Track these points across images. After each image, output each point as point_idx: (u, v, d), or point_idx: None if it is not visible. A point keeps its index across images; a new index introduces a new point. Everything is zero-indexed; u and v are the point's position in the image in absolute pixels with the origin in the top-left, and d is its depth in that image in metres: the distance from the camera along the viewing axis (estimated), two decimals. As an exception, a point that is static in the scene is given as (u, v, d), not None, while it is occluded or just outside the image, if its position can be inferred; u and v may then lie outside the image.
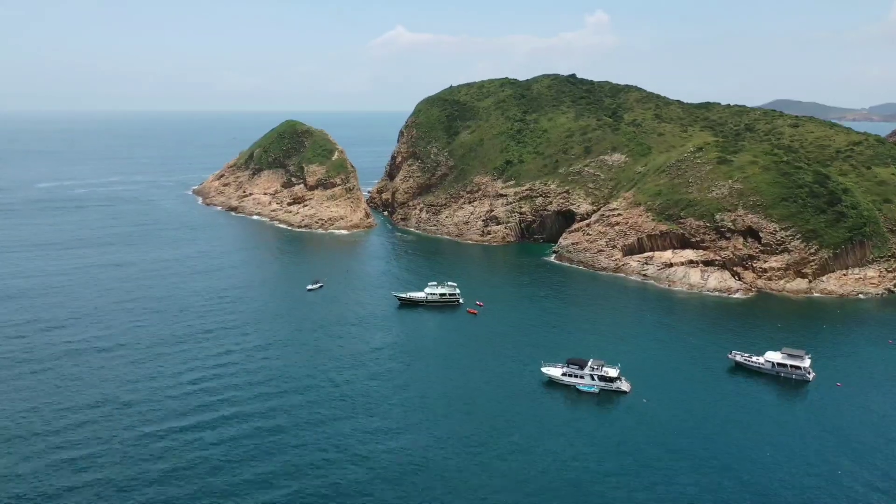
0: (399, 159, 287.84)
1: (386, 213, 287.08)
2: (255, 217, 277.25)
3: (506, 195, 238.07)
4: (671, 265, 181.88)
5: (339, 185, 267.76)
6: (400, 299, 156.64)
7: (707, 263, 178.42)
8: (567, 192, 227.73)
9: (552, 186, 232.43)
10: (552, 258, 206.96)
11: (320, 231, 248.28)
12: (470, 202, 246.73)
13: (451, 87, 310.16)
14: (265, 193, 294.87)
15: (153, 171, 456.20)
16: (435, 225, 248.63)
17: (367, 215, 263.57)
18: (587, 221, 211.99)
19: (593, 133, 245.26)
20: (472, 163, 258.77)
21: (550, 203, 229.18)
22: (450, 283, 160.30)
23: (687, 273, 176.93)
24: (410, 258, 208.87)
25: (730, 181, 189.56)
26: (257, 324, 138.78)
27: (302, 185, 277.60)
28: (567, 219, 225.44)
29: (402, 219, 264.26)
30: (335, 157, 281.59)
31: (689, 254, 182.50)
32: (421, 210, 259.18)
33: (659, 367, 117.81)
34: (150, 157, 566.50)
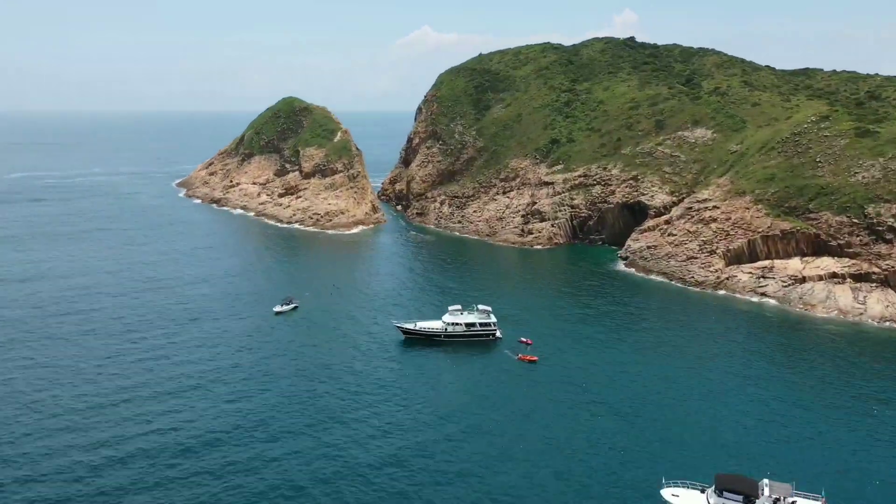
0: (416, 141, 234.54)
1: (399, 207, 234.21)
2: (238, 211, 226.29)
3: (552, 183, 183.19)
4: (803, 280, 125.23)
5: (341, 171, 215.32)
6: (405, 332, 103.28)
7: (858, 278, 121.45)
8: (635, 178, 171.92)
9: (614, 171, 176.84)
10: (620, 266, 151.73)
11: (314, 229, 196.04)
12: (505, 192, 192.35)
13: (480, 55, 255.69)
14: (254, 183, 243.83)
15: (148, 162, 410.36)
16: (459, 221, 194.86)
17: (375, 209, 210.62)
18: (667, 217, 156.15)
19: (666, 104, 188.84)
20: (508, 143, 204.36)
21: (612, 193, 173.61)
22: (481, 306, 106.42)
23: (831, 292, 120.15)
24: (426, 266, 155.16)
25: (881, 159, 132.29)
26: (177, 379, 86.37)
27: (297, 173, 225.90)
28: (636, 213, 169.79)
29: (419, 214, 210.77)
30: (337, 138, 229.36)
31: (829, 263, 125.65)
32: (442, 203, 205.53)
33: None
34: (153, 150, 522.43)
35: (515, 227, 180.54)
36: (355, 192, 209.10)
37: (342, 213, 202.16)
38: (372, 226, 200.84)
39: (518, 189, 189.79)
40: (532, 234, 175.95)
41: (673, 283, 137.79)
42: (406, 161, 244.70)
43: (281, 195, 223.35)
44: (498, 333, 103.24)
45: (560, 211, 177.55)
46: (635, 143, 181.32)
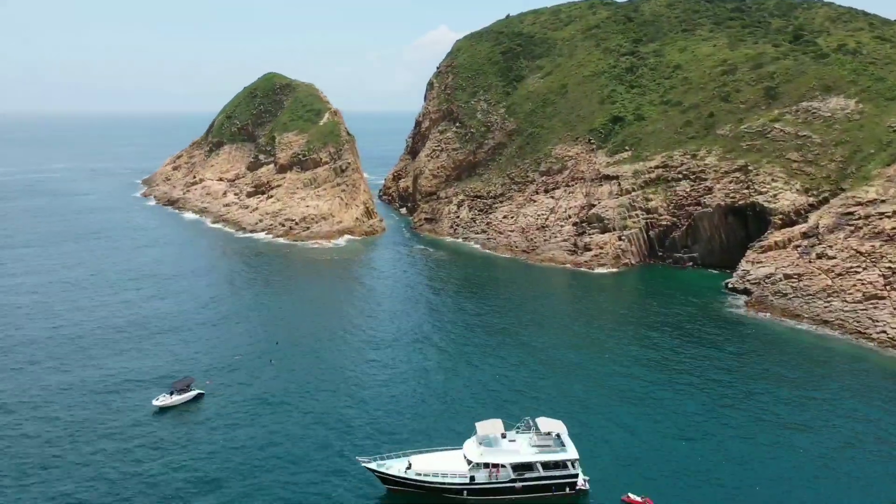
0: (426, 124, 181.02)
1: (404, 210, 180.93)
2: (192, 216, 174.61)
3: (616, 177, 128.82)
4: None
5: (326, 162, 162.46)
6: (385, 479, 49.73)
7: None
8: (743, 169, 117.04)
9: (709, 160, 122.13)
10: (735, 303, 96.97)
11: (284, 240, 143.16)
12: (548, 191, 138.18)
13: (507, 16, 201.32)
14: (220, 179, 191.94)
15: (121, 158, 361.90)
16: (484, 231, 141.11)
17: (370, 213, 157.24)
18: (804, 227, 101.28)
19: (776, 65, 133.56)
20: (549, 123, 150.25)
21: (709, 191, 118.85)
22: (544, 421, 52.46)
23: None
24: (435, 306, 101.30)
25: None
26: None
27: (273, 165, 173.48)
28: (747, 221, 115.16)
29: (429, 219, 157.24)
30: (324, 120, 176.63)
31: None
32: (460, 205, 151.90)
33: None
34: (138, 146, 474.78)
35: (565, 241, 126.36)
36: (343, 191, 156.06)
37: (324, 218, 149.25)
38: (363, 236, 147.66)
39: (567, 186, 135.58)
40: (590, 250, 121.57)
41: (844, 338, 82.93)
42: (413, 151, 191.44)
43: (250, 194, 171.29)
44: (581, 482, 49.41)
45: (630, 217, 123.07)
46: (737, 119, 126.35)
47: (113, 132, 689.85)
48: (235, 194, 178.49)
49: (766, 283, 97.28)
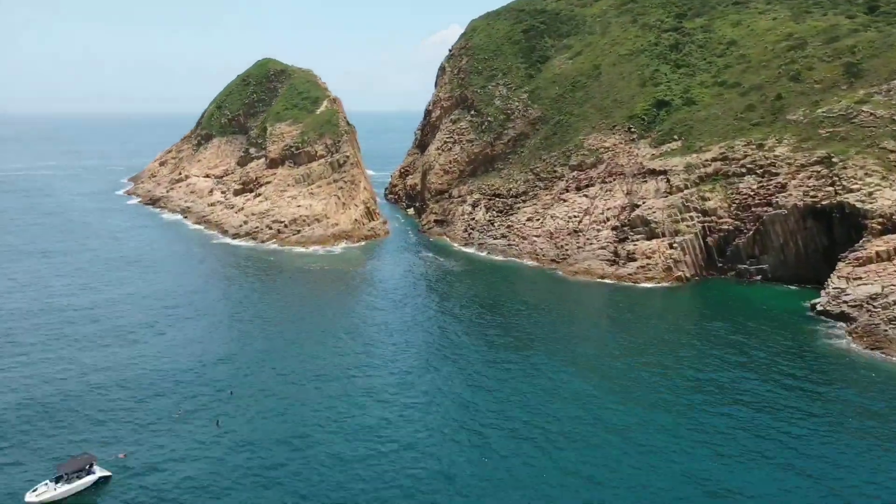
0: (436, 113, 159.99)
1: (411, 210, 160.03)
2: (173, 217, 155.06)
3: (664, 172, 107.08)
4: None
5: (321, 156, 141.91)
6: None
7: None
8: (825, 161, 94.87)
9: (780, 150, 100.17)
10: (843, 341, 74.60)
11: (271, 245, 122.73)
12: (580, 188, 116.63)
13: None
14: (207, 175, 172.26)
15: (110, 156, 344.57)
16: (504, 236, 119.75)
17: (372, 214, 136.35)
18: (920, 235, 79.31)
19: (855, 38, 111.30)
20: (580, 110, 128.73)
21: (782, 188, 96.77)
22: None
23: None
24: (448, 336, 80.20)
25: None
26: None
27: (264, 160, 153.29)
28: (831, 224, 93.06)
29: (440, 221, 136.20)
30: (322, 108, 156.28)
31: None
32: (475, 205, 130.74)
33: None
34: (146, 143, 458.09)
35: (603, 248, 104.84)
36: (340, 189, 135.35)
37: (317, 220, 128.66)
38: (363, 241, 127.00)
39: (603, 182, 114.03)
40: (634, 259, 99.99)
41: None
42: (422, 144, 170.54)
43: (237, 192, 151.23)
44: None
45: (683, 220, 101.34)
46: (812, 102, 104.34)
47: (125, 132, 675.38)
48: (223, 192, 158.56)
49: (875, 307, 75.43)
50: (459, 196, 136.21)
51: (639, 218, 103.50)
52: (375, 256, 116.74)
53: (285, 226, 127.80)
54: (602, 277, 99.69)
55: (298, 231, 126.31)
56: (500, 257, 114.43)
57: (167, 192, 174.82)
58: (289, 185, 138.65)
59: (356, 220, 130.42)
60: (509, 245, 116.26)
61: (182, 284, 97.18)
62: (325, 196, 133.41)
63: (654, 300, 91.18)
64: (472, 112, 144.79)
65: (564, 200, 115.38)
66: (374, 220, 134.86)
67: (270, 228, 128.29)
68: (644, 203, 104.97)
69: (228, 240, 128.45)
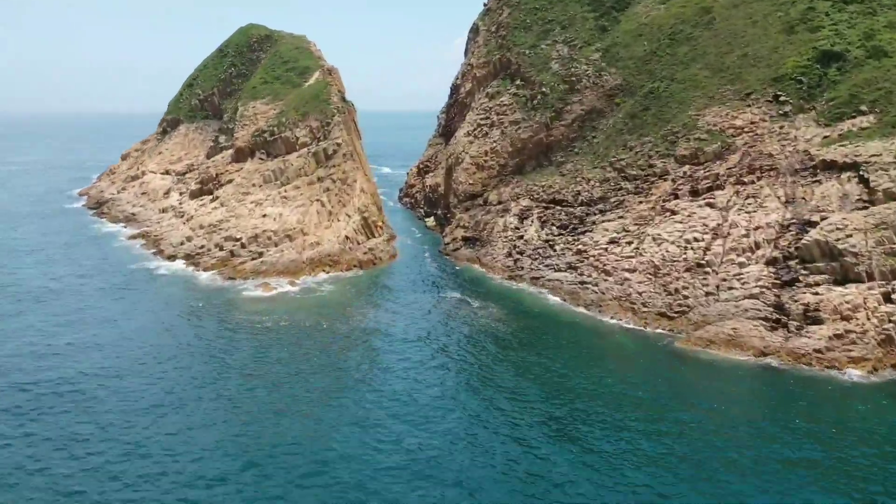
0: (466, 87, 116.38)
1: (431, 219, 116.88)
2: (111, 227, 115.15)
3: (855, 164, 62.55)
4: None
5: (304, 144, 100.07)
6: None
7: None
8: None
9: None
10: None
11: (217, 280, 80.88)
12: (697, 192, 72.00)
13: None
14: (167, 171, 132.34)
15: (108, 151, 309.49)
16: (572, 267, 75.52)
17: (372, 228, 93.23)
18: None
19: None
20: (685, 73, 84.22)
21: None
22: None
23: None
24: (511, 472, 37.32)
25: None
26: None
27: (232, 150, 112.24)
28: None
29: (470, 238, 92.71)
30: (311, 80, 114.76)
31: None
32: (524, 216, 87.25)
33: None
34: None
35: (753, 297, 60.32)
36: (327, 190, 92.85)
37: (288, 236, 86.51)
38: (356, 269, 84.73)
39: (739, 183, 69.44)
40: (818, 322, 55.61)
41: None
42: (447, 130, 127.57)
43: (193, 195, 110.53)
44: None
45: (906, 251, 56.85)
46: None
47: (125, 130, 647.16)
48: (182, 193, 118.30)
49: None
50: (500, 202, 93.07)
51: (818, 245, 59.09)
52: (369, 302, 74.09)
53: (241, 245, 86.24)
54: (762, 354, 55.66)
55: (259, 254, 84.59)
56: (567, 303, 71.07)
57: (118, 192, 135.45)
58: (254, 184, 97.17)
59: (347, 237, 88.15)
60: (582, 283, 72.62)
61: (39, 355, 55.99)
62: (304, 201, 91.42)
63: (873, 418, 46.74)
64: (518, 82, 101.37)
65: (673, 212, 71.29)
66: (374, 235, 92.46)
67: (221, 249, 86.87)
68: (825, 219, 60.58)
69: (160, 264, 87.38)
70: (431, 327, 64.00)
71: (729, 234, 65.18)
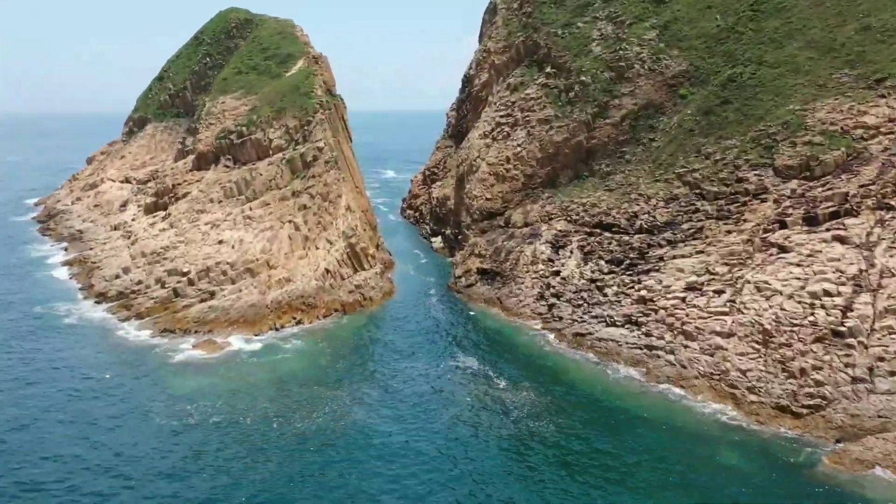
0: (482, 79, 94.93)
1: (438, 239, 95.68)
2: (47, 248, 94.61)
3: None
4: None
5: (279, 148, 79.52)
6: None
7: None
8: None
9: None
10: None
11: (154, 340, 60.30)
12: (816, 220, 50.32)
13: None
14: (126, 179, 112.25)
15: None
16: (634, 323, 53.87)
17: (361, 258, 72.43)
18: None
19: None
20: (780, 55, 62.55)
21: None
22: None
23: None
24: None
25: None
26: None
27: (193, 156, 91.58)
28: None
29: (488, 272, 71.53)
30: (294, 70, 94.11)
31: None
32: (561, 245, 66.18)
33: None
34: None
35: (938, 392, 39.43)
36: (304, 208, 71.88)
37: (249, 271, 65.71)
38: (341, 316, 63.96)
39: (884, 207, 48.20)
40: None
41: None
42: (458, 130, 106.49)
43: (148, 209, 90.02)
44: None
45: None
46: None
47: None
48: (140, 207, 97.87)
49: None
50: (526, 224, 71.90)
51: None
52: (345, 372, 52.80)
53: (189, 281, 65.56)
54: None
55: (210, 295, 63.82)
56: (633, 375, 49.77)
57: (71, 203, 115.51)
58: (212, 200, 76.43)
59: (327, 270, 67.16)
60: (650, 348, 51.21)
61: None
62: (273, 223, 70.55)
63: None
64: (549, 70, 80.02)
65: (782, 248, 49.70)
66: (364, 267, 71.47)
67: (162, 286, 66.21)
68: None
69: (82, 305, 66.80)
70: (433, 436, 42.51)
71: (881, 286, 43.68)
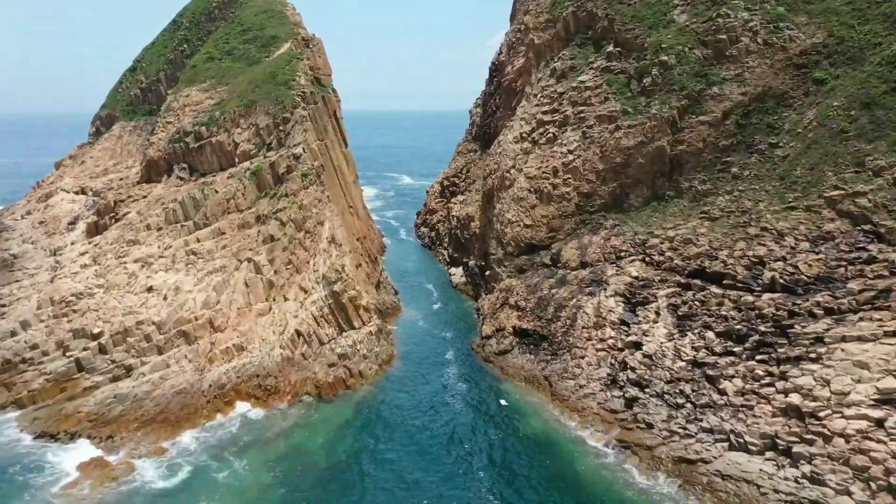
0: (515, 66, 73.76)
1: (459, 271, 74.69)
2: (-43, 282, 75.70)
3: None
4: None
5: (248, 155, 59.46)
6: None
7: None
8: None
9: None
10: None
11: (27, 447, 40.44)
12: None
13: None
14: (81, 189, 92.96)
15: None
16: (786, 452, 32.89)
17: (350, 313, 51.95)
18: None
19: None
20: None
21: None
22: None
23: None
24: None
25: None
26: None
27: (142, 164, 71.75)
28: None
29: (529, 331, 50.67)
30: (280, 52, 73.85)
31: None
32: (644, 301, 45.03)
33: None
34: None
35: None
36: (272, 242, 51.61)
37: (186, 334, 45.59)
38: (314, 402, 43.39)
39: None
40: None
41: None
42: (484, 132, 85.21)
43: (90, 233, 70.21)
44: None
45: None
46: None
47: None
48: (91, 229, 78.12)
49: None
50: (583, 264, 50.58)
51: None
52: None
53: (99, 348, 45.39)
54: None
55: (125, 371, 43.59)
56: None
57: (21, 217, 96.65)
58: (149, 225, 56.16)
59: (298, 332, 46.50)
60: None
61: None
62: (225, 262, 50.04)
63: None
64: (612, 49, 58.37)
65: None
66: (355, 324, 50.65)
67: (65, 352, 46.15)
68: None
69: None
70: None
71: None
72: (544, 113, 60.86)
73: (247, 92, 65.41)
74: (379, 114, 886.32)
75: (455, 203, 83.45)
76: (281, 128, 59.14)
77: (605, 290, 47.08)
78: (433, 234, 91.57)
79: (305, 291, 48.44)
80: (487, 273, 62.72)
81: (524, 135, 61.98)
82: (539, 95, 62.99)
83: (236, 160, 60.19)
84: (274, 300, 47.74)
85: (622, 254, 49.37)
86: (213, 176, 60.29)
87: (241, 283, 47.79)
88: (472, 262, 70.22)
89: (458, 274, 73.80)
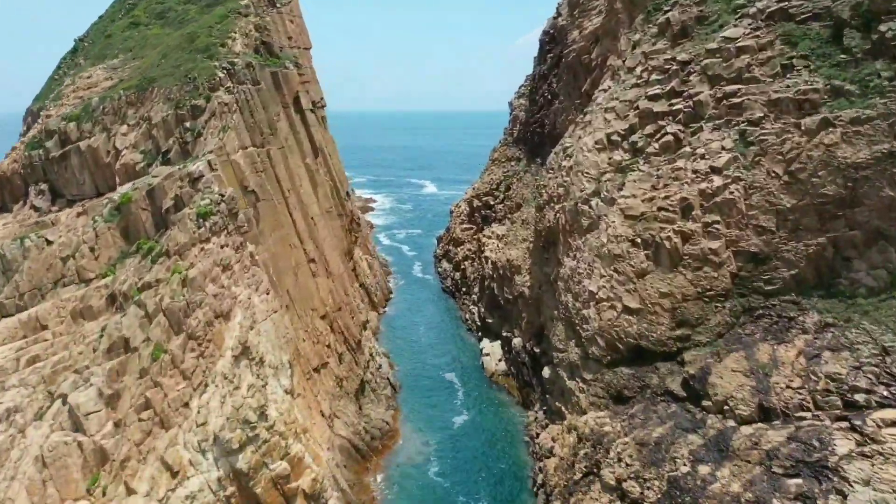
0: (590, 25, 47.30)
1: (496, 348, 48.47)
2: None
3: None
4: None
5: (133, 165, 34.43)
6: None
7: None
8: None
9: None
10: None
11: None
12: None
13: None
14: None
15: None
16: None
17: (291, 498, 26.47)
18: None
19: None
20: None
21: None
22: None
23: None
24: None
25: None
26: None
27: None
28: None
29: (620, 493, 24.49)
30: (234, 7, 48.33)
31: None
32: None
33: None
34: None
35: None
36: (121, 357, 26.42)
37: None
38: None
39: None
40: None
41: None
42: (530, 133, 58.49)
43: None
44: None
45: None
46: None
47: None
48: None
49: None
50: (764, 407, 23.86)
51: None
52: None
53: None
54: None
55: None
56: None
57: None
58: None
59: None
60: None
61: None
62: (18, 404, 24.53)
63: None
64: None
65: None
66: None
67: None
68: None
69: None
70: None
71: None
72: (652, 99, 34.10)
73: (150, 67, 40.17)
74: (411, 114, 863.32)
75: (490, 237, 56.99)
76: (187, 124, 33.57)
77: (844, 490, 20.27)
78: (457, 274, 65.41)
79: (173, 473, 22.54)
80: (546, 374, 36.33)
81: (614, 137, 35.32)
82: (640, 69, 36.20)
83: (117, 179, 34.90)
84: (104, 492, 21.91)
85: (856, 393, 22.55)
86: (84, 203, 35.15)
87: (33, 458, 22.06)
88: (517, 340, 43.86)
89: (492, 353, 47.55)
